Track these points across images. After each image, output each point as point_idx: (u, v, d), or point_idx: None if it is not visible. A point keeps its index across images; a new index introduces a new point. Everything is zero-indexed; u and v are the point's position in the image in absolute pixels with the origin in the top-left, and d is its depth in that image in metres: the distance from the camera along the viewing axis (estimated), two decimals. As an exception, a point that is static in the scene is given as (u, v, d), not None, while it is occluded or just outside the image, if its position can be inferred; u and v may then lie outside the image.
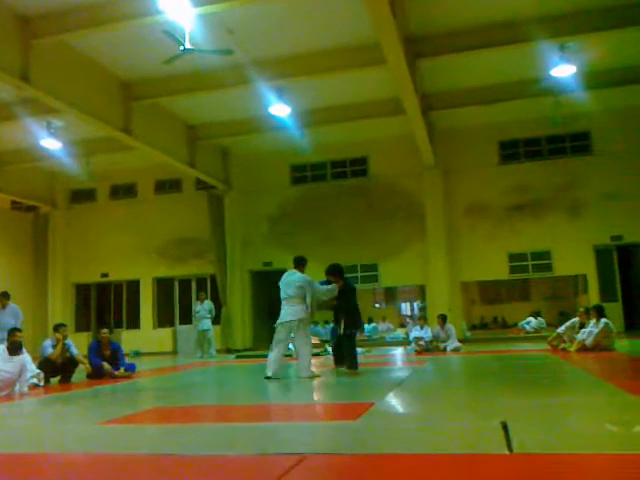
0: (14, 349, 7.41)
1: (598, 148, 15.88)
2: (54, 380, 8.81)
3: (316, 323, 18.46)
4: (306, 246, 17.31)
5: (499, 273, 16.52)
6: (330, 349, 12.72)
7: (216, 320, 16.13)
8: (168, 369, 11.83)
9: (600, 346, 9.99)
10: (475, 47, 11.50)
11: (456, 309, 16.02)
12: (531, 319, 17.95)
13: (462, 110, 15.04)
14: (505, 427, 3.68)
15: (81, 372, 9.20)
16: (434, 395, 6.18)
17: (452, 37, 11.46)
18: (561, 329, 11.09)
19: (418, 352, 12.15)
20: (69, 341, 9.12)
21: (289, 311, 8.12)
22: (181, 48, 9.75)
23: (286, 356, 12.59)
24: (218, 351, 15.75)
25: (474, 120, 16.08)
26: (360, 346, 13.66)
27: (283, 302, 8.30)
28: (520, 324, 18.19)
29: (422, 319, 14.01)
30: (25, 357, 7.68)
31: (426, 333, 12.66)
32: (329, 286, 8.36)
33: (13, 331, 7.68)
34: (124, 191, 19.60)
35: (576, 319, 11.02)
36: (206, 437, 4.15)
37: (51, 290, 19.33)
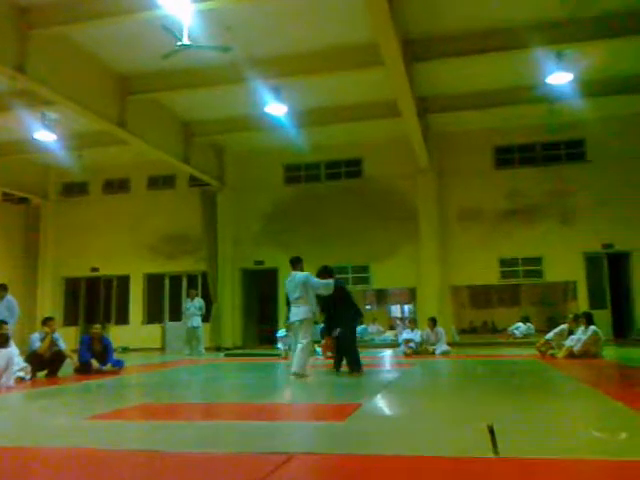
0: (0, 342, 7.37)
1: (592, 156, 15.96)
2: (41, 374, 8.77)
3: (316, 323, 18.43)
4: (298, 246, 17.31)
5: (490, 278, 16.56)
6: (319, 350, 12.74)
7: (206, 318, 16.09)
8: (156, 366, 11.79)
9: (588, 353, 10.04)
10: (472, 52, 11.54)
11: (446, 313, 16.05)
12: (520, 324, 17.99)
13: (458, 114, 15.08)
14: (491, 431, 3.69)
15: (68, 366, 9.16)
16: (422, 397, 6.19)
17: (450, 41, 11.48)
18: (550, 335, 11.13)
19: (407, 354, 12.17)
20: (57, 335, 9.08)
21: (294, 311, 8.21)
22: (179, 43, 9.71)
23: (275, 356, 12.62)
24: (207, 349, 15.71)
25: (470, 124, 16.12)
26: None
27: (291, 304, 8.39)
28: (509, 329, 18.23)
29: (412, 322, 14.06)
30: (12, 350, 7.65)
31: (415, 336, 12.69)
32: (325, 280, 8.33)
33: (0, 324, 7.64)
34: (117, 185, 19.52)
35: (565, 326, 11.06)
36: (193, 434, 4.14)
37: (40, 283, 19.23)
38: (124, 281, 19.04)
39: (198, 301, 15.33)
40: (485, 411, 4.82)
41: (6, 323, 7.78)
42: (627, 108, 14.98)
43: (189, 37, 9.75)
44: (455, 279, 16.59)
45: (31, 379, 8.28)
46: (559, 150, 16.35)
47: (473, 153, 16.68)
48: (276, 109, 13.39)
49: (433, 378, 8.70)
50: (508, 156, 16.70)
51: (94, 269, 19.11)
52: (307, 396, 6.73)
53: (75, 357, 9.22)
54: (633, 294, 15.55)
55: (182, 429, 4.37)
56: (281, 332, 13.23)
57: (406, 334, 12.94)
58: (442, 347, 12.29)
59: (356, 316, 8.71)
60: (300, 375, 7.87)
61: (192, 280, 18.39)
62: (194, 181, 18.12)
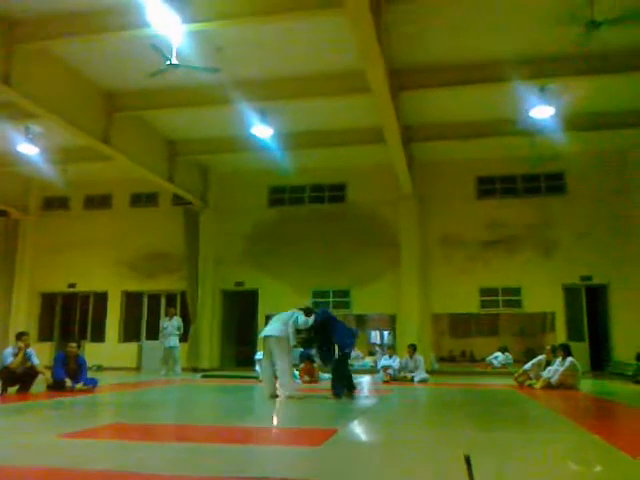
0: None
1: (572, 188, 16.21)
2: (12, 389, 8.59)
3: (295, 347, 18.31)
4: (280, 268, 17.32)
5: (470, 307, 16.62)
6: (297, 374, 12.64)
7: (184, 337, 15.92)
8: (131, 385, 11.61)
9: (565, 384, 10.07)
10: (457, 83, 11.75)
11: (425, 340, 16.04)
12: (499, 354, 18.05)
13: (442, 143, 15.28)
14: (468, 460, 3.67)
15: (41, 382, 8.98)
16: (398, 425, 6.16)
17: (435, 72, 11.69)
18: (527, 366, 11.15)
19: (386, 381, 12.11)
20: (31, 350, 8.91)
21: (270, 327, 8.47)
22: (167, 63, 9.76)
23: (253, 378, 12.50)
24: (184, 369, 15.52)
25: (453, 154, 16.32)
26: (327, 371, 13.62)
27: (269, 322, 8.74)
28: (488, 359, 18.28)
29: (391, 348, 14.03)
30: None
31: (394, 362, 12.65)
32: (305, 319, 8.44)
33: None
34: (99, 202, 19.37)
35: (542, 356, 11.10)
36: (166, 456, 4.07)
37: (16, 297, 18.91)
38: (101, 298, 18.80)
39: (176, 320, 15.16)
40: (462, 440, 4.80)
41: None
42: (607, 143, 15.29)
43: (178, 57, 9.81)
44: (435, 307, 16.63)
45: (1, 394, 8.11)
46: (539, 182, 16.59)
47: (455, 182, 16.86)
48: (262, 131, 13.46)
49: (411, 405, 8.66)
50: (490, 186, 16.89)
51: (71, 285, 18.85)
52: (283, 420, 6.66)
53: (48, 373, 9.04)
54: (610, 326, 15.69)
55: (154, 450, 4.29)
56: (259, 354, 13.09)
57: (385, 360, 12.89)
58: (420, 375, 12.26)
59: (346, 342, 8.60)
60: (293, 397, 8.03)
61: (171, 299, 18.21)
62: (177, 200, 18.06)
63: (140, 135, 14.61)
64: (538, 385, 10.37)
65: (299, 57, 11.38)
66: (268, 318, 17.31)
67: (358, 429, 5.75)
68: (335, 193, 17.76)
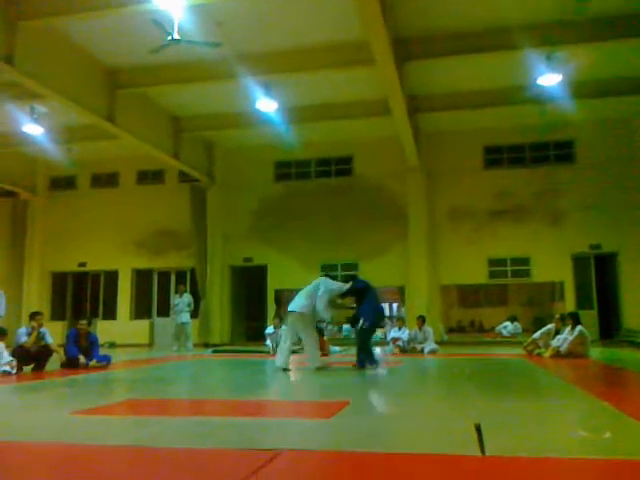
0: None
1: (581, 157, 16.07)
2: (27, 368, 8.71)
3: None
4: (288, 243, 17.36)
5: (479, 277, 16.63)
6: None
7: (194, 314, 16.05)
8: (143, 361, 11.74)
9: (574, 353, 10.10)
10: (463, 51, 11.58)
11: (434, 311, 16.09)
12: (508, 324, 18.11)
13: (448, 114, 15.13)
14: (479, 429, 3.70)
15: (55, 361, 9.09)
16: (409, 395, 6.20)
17: (441, 41, 11.52)
18: (537, 335, 11.19)
19: (395, 353, 12.19)
20: (44, 329, 9.02)
21: (295, 301, 8.46)
22: (169, 38, 9.67)
23: (263, 352, 12.60)
24: (195, 345, 15.67)
25: (460, 124, 16.17)
26: (338, 345, 13.73)
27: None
28: (497, 328, 18.34)
29: (400, 320, 14.08)
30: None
31: (403, 334, 12.72)
32: (339, 284, 8.70)
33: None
34: (105, 180, 19.39)
35: (552, 325, 11.12)
36: (180, 430, 4.12)
37: (27, 278, 19.08)
38: (112, 276, 18.95)
39: (187, 297, 15.28)
40: (472, 410, 4.84)
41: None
42: (616, 111, 15.10)
43: (179, 32, 9.71)
44: (444, 278, 16.65)
45: (17, 373, 8.23)
46: (548, 151, 16.45)
47: (463, 153, 16.73)
48: (266, 105, 13.36)
49: (420, 377, 8.72)
50: (497, 156, 16.76)
51: (81, 264, 18.99)
52: (294, 393, 6.73)
53: (62, 352, 9.15)
54: (620, 294, 15.67)
55: (168, 425, 4.35)
56: (269, 329, 13.21)
57: (394, 332, 12.97)
58: (430, 346, 12.32)
59: (368, 316, 8.58)
60: (322, 368, 8.33)
61: (181, 276, 18.32)
62: (183, 177, 18.05)
63: (144, 112, 14.54)
64: (547, 354, 10.41)
65: (302, 29, 11.23)
66: (277, 293, 17.69)
67: (369, 401, 5.80)
68: (342, 166, 17.68)
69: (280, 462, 3.07)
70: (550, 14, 10.69)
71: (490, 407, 5.03)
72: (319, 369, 8.31)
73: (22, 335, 8.77)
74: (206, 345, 16.56)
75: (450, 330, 18.93)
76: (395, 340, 12.56)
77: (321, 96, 14.37)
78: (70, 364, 8.99)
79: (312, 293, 8.35)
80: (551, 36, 11.06)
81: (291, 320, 8.45)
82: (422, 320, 12.71)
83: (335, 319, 17.18)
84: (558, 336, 10.58)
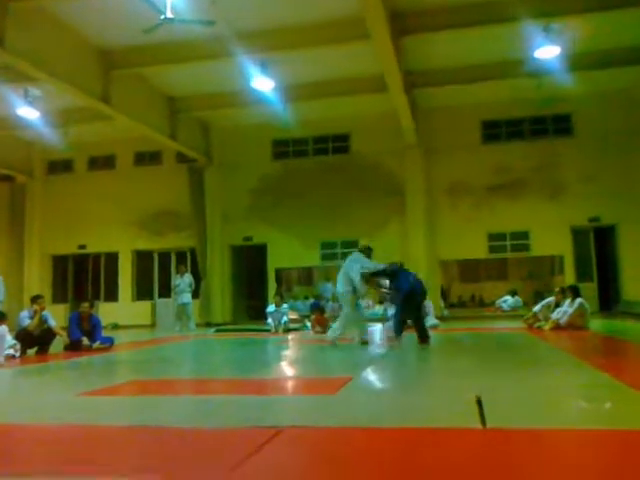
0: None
1: (579, 130, 15.98)
2: (31, 351, 8.77)
3: (296, 298, 18.53)
4: (287, 221, 17.36)
5: (478, 252, 16.66)
6: (309, 325, 12.82)
7: (195, 294, 16.10)
8: (146, 342, 11.81)
9: (574, 325, 10.16)
10: (460, 25, 11.44)
11: (434, 287, 16.14)
12: (508, 298, 18.18)
13: (445, 89, 15.00)
14: (479, 402, 3.75)
15: (58, 344, 9.15)
16: (410, 370, 6.27)
17: (437, 14, 11.37)
18: (537, 308, 11.25)
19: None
20: (47, 313, 9.06)
21: (339, 282, 8.89)
22: (162, 17, 9.55)
23: (265, 331, 12.64)
24: (197, 325, 15.75)
25: (457, 99, 16.05)
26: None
27: None
28: (497, 303, 18.42)
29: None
30: (2, 327, 7.62)
31: (404, 310, 12.75)
32: (374, 264, 9.00)
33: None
34: (103, 162, 19.29)
35: (552, 298, 11.17)
36: (184, 409, 4.17)
37: (27, 261, 19.10)
38: (112, 258, 18.97)
39: (188, 277, 15.31)
40: (473, 383, 4.89)
41: None
42: (613, 83, 14.96)
43: (172, 11, 9.59)
44: (443, 254, 16.68)
45: (21, 356, 8.28)
46: (546, 125, 16.36)
47: (460, 128, 16.63)
48: (262, 84, 13.25)
49: (421, 351, 8.78)
50: (495, 131, 16.67)
51: (81, 246, 19.00)
52: (297, 370, 6.79)
53: (65, 334, 9.21)
54: (619, 266, 15.73)
55: (174, 404, 4.40)
56: (270, 307, 13.28)
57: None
58: (431, 321, 12.36)
59: (407, 287, 8.85)
60: (332, 341, 8.65)
61: (181, 256, 18.35)
62: (181, 157, 17.96)
63: (139, 92, 14.41)
64: (547, 327, 10.48)
65: (297, 6, 11.08)
66: (278, 271, 17.74)
67: (372, 376, 5.86)
68: (339, 144, 17.59)
69: (283, 438, 3.11)
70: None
71: (491, 380, 5.08)
72: (329, 341, 8.68)
73: (25, 318, 8.82)
74: (208, 325, 16.64)
75: (451, 305, 19.02)
76: (396, 316, 12.60)
77: (318, 73, 14.24)
78: (73, 346, 9.04)
79: (347, 272, 8.71)
80: (549, 7, 10.93)
81: (339, 299, 9.22)
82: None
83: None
84: (558, 309, 10.64)
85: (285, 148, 17.99)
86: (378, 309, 19.06)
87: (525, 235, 16.18)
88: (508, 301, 17.98)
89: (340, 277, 8.85)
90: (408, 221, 16.40)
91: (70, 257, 19.57)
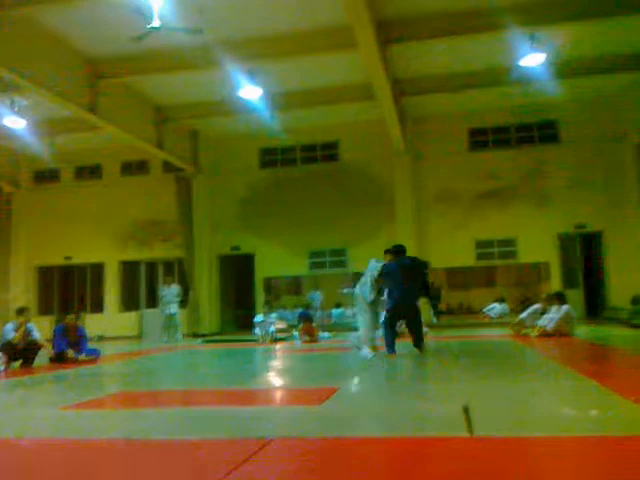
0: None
1: (565, 137, 16.13)
2: (16, 364, 8.66)
3: (285, 307, 18.47)
4: (275, 230, 17.33)
5: (466, 260, 16.72)
6: (297, 334, 12.78)
7: (183, 304, 16.01)
8: (133, 354, 11.72)
9: (560, 332, 10.20)
10: (447, 33, 11.51)
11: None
12: (495, 305, 18.23)
13: (433, 96, 15.10)
14: (466, 410, 3.74)
15: (43, 356, 9.05)
16: (398, 379, 6.25)
17: (424, 22, 11.43)
18: (524, 315, 11.29)
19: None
20: (31, 325, 8.96)
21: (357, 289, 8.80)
22: (149, 26, 9.53)
23: (253, 341, 12.59)
24: (185, 335, 15.66)
25: (445, 107, 16.15)
26: (327, 330, 13.79)
27: None
28: (485, 310, 18.47)
29: (389, 304, 14.10)
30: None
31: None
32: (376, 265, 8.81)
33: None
34: (89, 172, 19.18)
35: (538, 305, 11.22)
36: (171, 421, 4.13)
37: (13, 272, 18.90)
38: (98, 269, 18.83)
39: (175, 287, 15.24)
40: (460, 390, 4.88)
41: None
42: (598, 90, 15.15)
43: (160, 19, 9.57)
44: (432, 261, 16.63)
45: (5, 369, 8.19)
46: (532, 132, 16.50)
47: (448, 135, 16.73)
48: (250, 92, 13.25)
49: (410, 359, 8.77)
50: (482, 138, 16.79)
51: (67, 257, 18.84)
52: (284, 381, 6.75)
53: (50, 346, 9.11)
54: (605, 273, 15.84)
55: (161, 416, 4.36)
56: (258, 317, 13.23)
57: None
58: (419, 329, 12.35)
59: (391, 300, 8.48)
60: (356, 346, 8.67)
61: (168, 267, 18.25)
62: (168, 167, 17.89)
63: (126, 102, 14.36)
64: (534, 333, 10.51)
65: (284, 14, 11.10)
66: (266, 281, 17.69)
67: (359, 386, 5.84)
68: (327, 152, 17.62)
69: (271, 449, 3.09)
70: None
71: (478, 388, 5.08)
72: (354, 346, 8.74)
73: (9, 331, 8.71)
74: (195, 335, 16.54)
75: (440, 312, 19.04)
76: (384, 324, 12.59)
77: (306, 82, 14.27)
78: (59, 359, 8.95)
79: (365, 276, 8.71)
80: (534, 16, 11.04)
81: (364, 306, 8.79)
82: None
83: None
84: (545, 315, 10.68)
85: (273, 156, 17.99)
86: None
87: (512, 242, 16.27)
88: (495, 308, 18.02)
89: (358, 285, 8.82)
90: (397, 229, 16.40)
91: (56, 268, 19.39)
